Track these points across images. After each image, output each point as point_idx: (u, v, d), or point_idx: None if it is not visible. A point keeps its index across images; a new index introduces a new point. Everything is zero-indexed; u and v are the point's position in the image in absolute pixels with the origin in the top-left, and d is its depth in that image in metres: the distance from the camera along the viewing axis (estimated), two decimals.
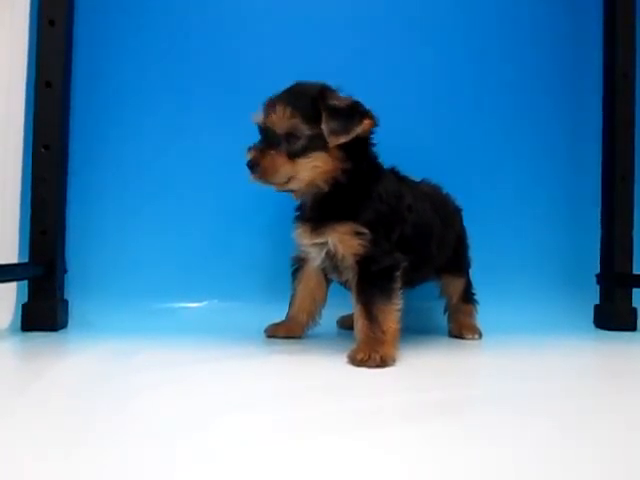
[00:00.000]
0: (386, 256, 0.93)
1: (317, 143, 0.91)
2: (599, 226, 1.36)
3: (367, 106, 0.95)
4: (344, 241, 0.93)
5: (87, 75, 1.27)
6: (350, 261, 0.93)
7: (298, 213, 1.03)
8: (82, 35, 1.25)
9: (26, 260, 1.17)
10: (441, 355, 1.01)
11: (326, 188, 0.94)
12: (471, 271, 1.25)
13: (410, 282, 1.04)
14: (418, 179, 1.14)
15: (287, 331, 1.10)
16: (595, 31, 1.38)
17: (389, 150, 1.03)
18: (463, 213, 1.23)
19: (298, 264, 1.08)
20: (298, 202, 1.03)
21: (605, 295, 1.35)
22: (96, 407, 0.66)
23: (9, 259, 1.19)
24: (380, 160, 1.03)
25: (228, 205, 1.31)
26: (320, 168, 0.93)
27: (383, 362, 0.85)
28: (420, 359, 0.94)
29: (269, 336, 1.11)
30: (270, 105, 0.94)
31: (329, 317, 1.17)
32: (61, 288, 1.20)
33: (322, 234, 0.95)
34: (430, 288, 1.24)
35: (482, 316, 1.23)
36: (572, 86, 1.42)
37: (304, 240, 0.99)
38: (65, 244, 1.21)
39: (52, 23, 1.17)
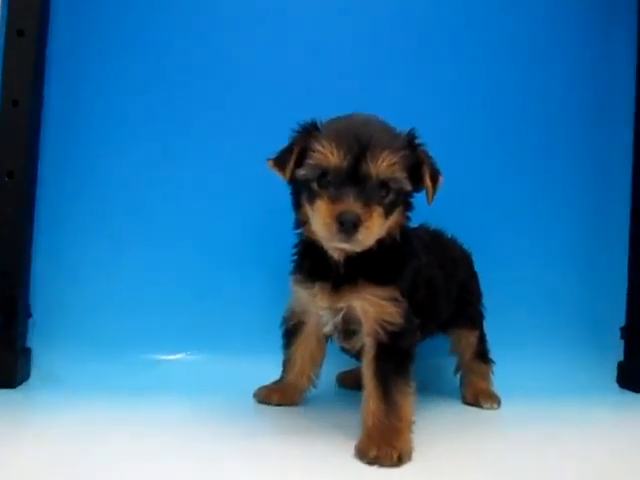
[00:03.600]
0: (414, 331, 0.81)
1: (400, 198, 0.79)
2: (626, 273, 1.24)
3: None
4: (379, 306, 0.79)
5: (60, 93, 1.13)
6: (379, 330, 0.79)
7: (309, 268, 0.85)
8: (55, 48, 1.11)
9: None
10: (459, 436, 0.88)
11: (375, 246, 0.78)
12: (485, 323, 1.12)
13: None
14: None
15: (282, 398, 0.97)
16: (627, 56, 1.25)
17: None
18: (474, 258, 1.11)
19: (294, 324, 0.95)
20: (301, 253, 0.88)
21: (631, 351, 1.23)
22: None
23: None
24: None
25: (211, 248, 1.17)
26: (393, 226, 0.80)
27: (400, 460, 0.72)
28: (434, 443, 0.81)
29: (260, 402, 0.98)
30: (367, 148, 0.74)
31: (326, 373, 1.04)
32: (23, 336, 1.06)
33: (346, 297, 0.81)
34: (440, 342, 1.11)
35: (495, 371, 1.10)
36: (600, 119, 1.29)
37: (321, 302, 0.83)
38: (29, 285, 1.07)
39: (21, 33, 1.02)
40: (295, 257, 0.89)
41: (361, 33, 1.23)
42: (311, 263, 0.84)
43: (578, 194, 1.30)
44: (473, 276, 1.10)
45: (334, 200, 0.73)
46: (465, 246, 1.10)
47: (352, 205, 0.71)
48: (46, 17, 1.07)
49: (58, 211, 1.13)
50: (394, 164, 0.75)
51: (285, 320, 0.96)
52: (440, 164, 0.84)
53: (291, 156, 0.79)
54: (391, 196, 0.76)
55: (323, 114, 0.86)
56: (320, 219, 0.73)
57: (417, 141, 0.81)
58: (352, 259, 0.80)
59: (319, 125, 0.80)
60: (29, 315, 1.07)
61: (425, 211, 0.99)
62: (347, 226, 0.71)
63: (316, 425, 0.88)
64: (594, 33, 1.30)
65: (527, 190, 1.28)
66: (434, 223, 1.06)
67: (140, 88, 1.17)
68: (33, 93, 1.03)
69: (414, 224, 0.96)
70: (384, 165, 0.74)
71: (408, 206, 0.83)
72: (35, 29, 1.02)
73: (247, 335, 1.15)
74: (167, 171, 1.17)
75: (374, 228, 0.73)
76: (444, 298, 0.98)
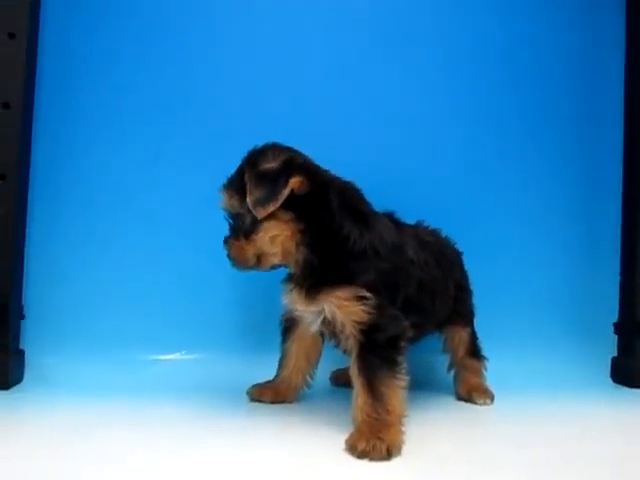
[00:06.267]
0: (393, 323, 0.81)
1: (257, 220, 0.83)
2: (618, 270, 1.24)
3: (309, 157, 0.87)
4: (344, 307, 0.80)
5: (51, 95, 1.13)
6: (351, 329, 0.80)
7: (289, 274, 0.90)
8: (46, 49, 1.11)
9: None
10: (452, 431, 0.87)
11: (306, 254, 0.84)
12: (475, 320, 1.11)
13: (409, 341, 0.90)
14: (412, 222, 1.02)
15: (276, 395, 0.97)
16: (615, 52, 1.26)
17: (387, 188, 0.97)
18: (464, 256, 1.11)
19: (290, 322, 0.96)
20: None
21: (624, 347, 1.23)
22: None
23: None
24: (368, 206, 0.90)
25: (205, 248, 1.13)
26: (280, 237, 0.83)
27: (389, 453, 0.71)
28: (427, 438, 0.81)
29: (253, 400, 0.98)
30: (222, 187, 0.87)
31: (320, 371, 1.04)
32: (16, 338, 1.06)
33: (317, 300, 0.83)
34: (432, 340, 1.11)
35: (488, 369, 1.09)
36: (591, 117, 1.29)
37: (298, 306, 0.87)
38: (22, 286, 1.07)
39: (12, 36, 1.03)
40: None
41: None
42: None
43: (570, 191, 1.30)
44: (464, 274, 1.10)
45: None
46: (456, 244, 1.10)
47: (225, 245, 0.88)
48: (37, 19, 1.07)
49: (51, 212, 1.13)
50: (230, 197, 0.85)
51: (282, 318, 0.98)
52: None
53: None
54: (248, 218, 0.83)
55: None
56: None
57: (254, 161, 0.84)
58: (306, 268, 0.84)
59: None
60: (22, 317, 1.07)
61: (418, 210, 1.02)
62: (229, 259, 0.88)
63: (309, 421, 0.87)
64: (584, 28, 1.31)
65: (519, 187, 1.28)
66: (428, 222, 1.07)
67: (131, 90, 1.17)
68: (24, 95, 1.04)
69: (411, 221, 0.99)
70: (226, 201, 0.86)
71: (293, 216, 0.82)
72: (26, 31, 1.03)
73: (241, 334, 1.16)
74: (160, 172, 1.17)
75: (239, 256, 0.86)
76: (442, 296, 0.98)
